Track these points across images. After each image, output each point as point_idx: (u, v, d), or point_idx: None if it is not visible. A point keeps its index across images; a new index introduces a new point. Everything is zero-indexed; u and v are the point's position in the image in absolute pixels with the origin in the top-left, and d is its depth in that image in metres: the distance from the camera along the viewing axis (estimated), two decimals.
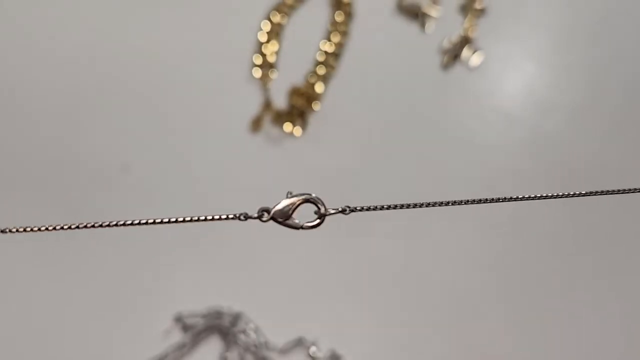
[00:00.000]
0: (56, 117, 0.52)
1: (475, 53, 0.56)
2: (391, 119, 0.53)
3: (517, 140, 0.53)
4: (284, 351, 0.44)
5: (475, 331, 0.45)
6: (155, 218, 0.25)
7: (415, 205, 0.26)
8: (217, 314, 0.45)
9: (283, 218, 0.25)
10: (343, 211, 0.25)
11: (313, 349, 0.44)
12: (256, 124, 0.52)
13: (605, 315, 0.46)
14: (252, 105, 0.53)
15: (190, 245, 0.48)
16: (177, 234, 0.48)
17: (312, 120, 0.53)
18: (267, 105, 0.53)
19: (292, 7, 0.59)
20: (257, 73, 0.55)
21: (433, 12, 0.58)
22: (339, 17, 0.58)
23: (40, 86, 0.54)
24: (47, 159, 0.50)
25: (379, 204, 0.50)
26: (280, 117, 0.52)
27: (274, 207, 0.24)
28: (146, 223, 0.25)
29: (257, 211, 0.24)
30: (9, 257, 0.47)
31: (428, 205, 0.26)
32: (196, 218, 0.26)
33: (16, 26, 0.56)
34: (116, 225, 0.25)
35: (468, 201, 0.27)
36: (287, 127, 0.53)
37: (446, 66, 0.56)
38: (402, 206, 0.26)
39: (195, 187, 0.50)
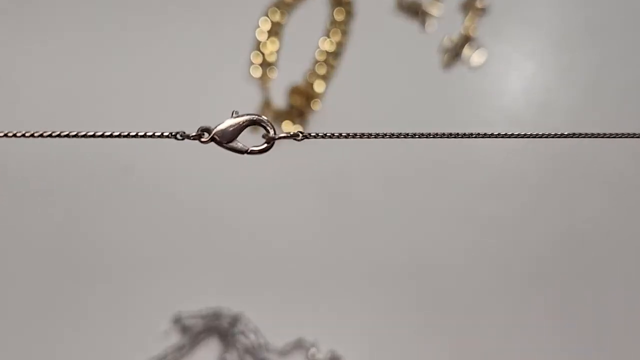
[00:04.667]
0: (62, 119, 0.52)
1: (476, 52, 0.56)
2: (391, 118, 0.53)
3: (517, 139, 0.53)
4: (284, 353, 0.44)
5: (475, 330, 0.46)
6: (82, 131, 0.22)
7: (384, 135, 0.23)
8: (216, 315, 0.45)
9: (226, 140, 0.22)
10: (295, 136, 0.23)
11: (312, 350, 0.44)
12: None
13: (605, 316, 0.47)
14: (251, 104, 0.53)
15: (189, 246, 0.48)
16: (176, 235, 0.48)
17: (312, 119, 0.53)
18: (267, 104, 0.53)
19: (291, 6, 0.58)
20: (256, 72, 0.55)
21: (434, 10, 0.58)
22: (339, 16, 0.58)
23: (46, 91, 0.54)
24: (59, 161, 0.51)
25: (378, 204, 0.50)
26: (279, 117, 0.52)
27: (215, 126, 0.22)
28: (75, 136, 0.22)
29: (196, 130, 0.22)
30: (10, 256, 0.47)
31: (400, 136, 0.23)
32: (133, 134, 0.22)
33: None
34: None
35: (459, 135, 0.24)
36: (287, 126, 0.53)
37: (446, 65, 0.56)
38: (362, 135, 0.23)
39: (194, 186, 0.50)
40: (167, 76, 0.54)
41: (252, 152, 0.22)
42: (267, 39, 0.56)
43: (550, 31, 0.58)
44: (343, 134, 0.23)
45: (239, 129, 0.22)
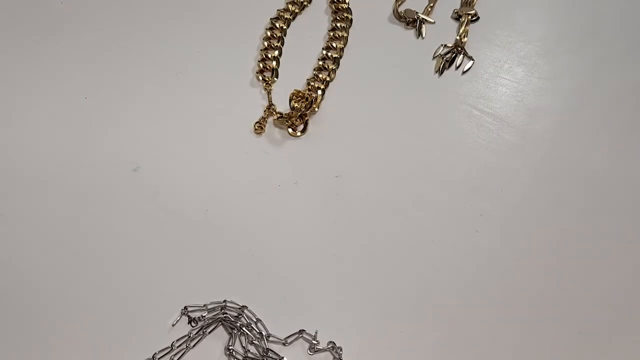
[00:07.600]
0: (76, 123, 0.54)
1: (468, 58, 0.57)
2: (388, 121, 0.54)
3: (507, 141, 0.53)
4: (287, 343, 0.44)
5: (472, 325, 0.45)
6: None
7: None
8: (222, 308, 0.45)
9: None
10: None
11: (314, 341, 0.44)
12: (259, 127, 0.53)
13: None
14: (255, 108, 0.54)
15: (195, 240, 0.48)
16: (183, 228, 0.49)
17: (313, 122, 0.54)
18: (270, 108, 0.54)
19: (293, 13, 0.60)
20: (260, 77, 0.56)
21: (428, 18, 0.60)
22: (339, 24, 0.59)
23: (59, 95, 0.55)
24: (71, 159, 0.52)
25: (377, 201, 0.49)
26: (282, 120, 0.53)
27: None
28: None
29: None
30: (25, 245, 0.48)
31: None
32: None
33: None
34: None
35: None
36: (289, 129, 0.53)
37: (440, 71, 0.57)
38: None
39: (199, 188, 0.50)
40: (173, 82, 0.56)
41: None
42: (271, 45, 0.58)
43: (538, 39, 0.60)
44: None
45: None
